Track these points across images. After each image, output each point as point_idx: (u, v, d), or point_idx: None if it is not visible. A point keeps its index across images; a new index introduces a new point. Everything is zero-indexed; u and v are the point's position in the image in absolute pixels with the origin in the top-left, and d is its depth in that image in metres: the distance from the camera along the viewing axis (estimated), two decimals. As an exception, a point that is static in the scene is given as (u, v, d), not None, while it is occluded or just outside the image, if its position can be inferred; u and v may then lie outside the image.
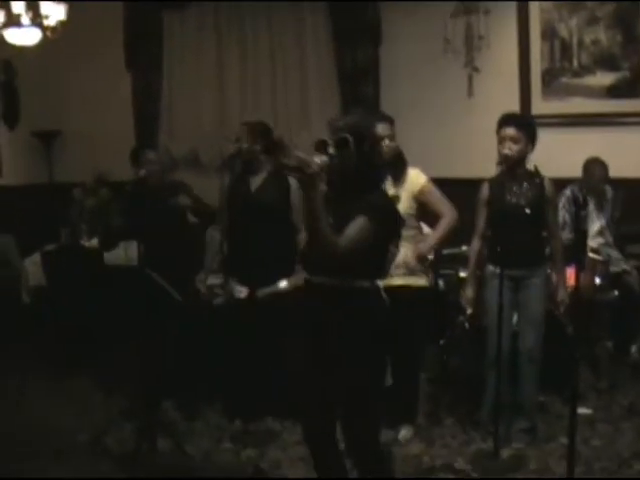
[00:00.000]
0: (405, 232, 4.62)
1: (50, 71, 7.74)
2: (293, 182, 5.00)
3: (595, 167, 5.92)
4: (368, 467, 3.53)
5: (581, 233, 3.53)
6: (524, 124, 4.72)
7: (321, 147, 3.30)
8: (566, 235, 5.32)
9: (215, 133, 7.51)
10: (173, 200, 5.74)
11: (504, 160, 4.58)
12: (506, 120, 4.69)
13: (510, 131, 4.62)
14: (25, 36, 6.53)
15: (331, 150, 3.29)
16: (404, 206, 4.61)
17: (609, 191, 6.03)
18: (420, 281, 4.76)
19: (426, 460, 4.59)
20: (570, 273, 4.75)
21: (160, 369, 5.02)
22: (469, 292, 4.91)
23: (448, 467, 4.52)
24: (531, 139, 4.68)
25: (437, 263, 5.53)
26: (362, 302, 3.40)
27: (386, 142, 4.52)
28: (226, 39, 7.50)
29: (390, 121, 4.76)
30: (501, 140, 4.64)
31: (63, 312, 6.25)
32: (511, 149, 4.60)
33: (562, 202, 5.70)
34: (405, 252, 4.57)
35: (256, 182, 5.15)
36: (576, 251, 3.52)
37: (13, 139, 7.74)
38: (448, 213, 4.78)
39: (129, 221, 5.64)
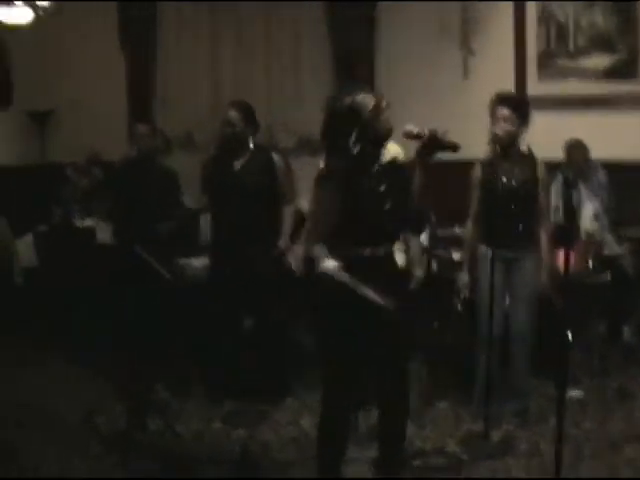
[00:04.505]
0: None
1: (44, 50, 7.68)
2: (276, 156, 5.08)
3: (573, 150, 5.90)
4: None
5: (571, 214, 3.50)
6: (517, 104, 4.68)
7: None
8: (559, 218, 5.31)
9: (209, 115, 7.47)
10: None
11: (496, 140, 4.55)
12: (499, 100, 4.66)
13: (503, 111, 4.60)
14: (17, 15, 6.49)
15: None
16: None
17: (604, 176, 6.01)
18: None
19: (417, 442, 4.58)
20: (562, 255, 4.74)
21: (150, 348, 5.01)
22: (465, 275, 4.89)
23: (438, 450, 4.51)
24: (524, 120, 4.65)
25: (431, 245, 5.51)
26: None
27: None
28: (221, 21, 7.46)
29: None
30: (494, 120, 4.62)
31: (55, 293, 6.24)
32: (503, 129, 4.57)
33: (555, 185, 5.67)
34: None
35: (239, 162, 5.14)
36: (566, 232, 3.49)
37: (6, 119, 7.69)
38: None
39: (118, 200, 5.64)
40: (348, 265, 3.53)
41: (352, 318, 3.54)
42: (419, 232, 3.90)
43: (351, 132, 3.51)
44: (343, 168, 3.55)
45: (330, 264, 3.52)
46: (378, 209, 3.58)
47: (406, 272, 4.54)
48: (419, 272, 4.76)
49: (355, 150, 3.53)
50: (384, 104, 3.57)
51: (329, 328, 3.66)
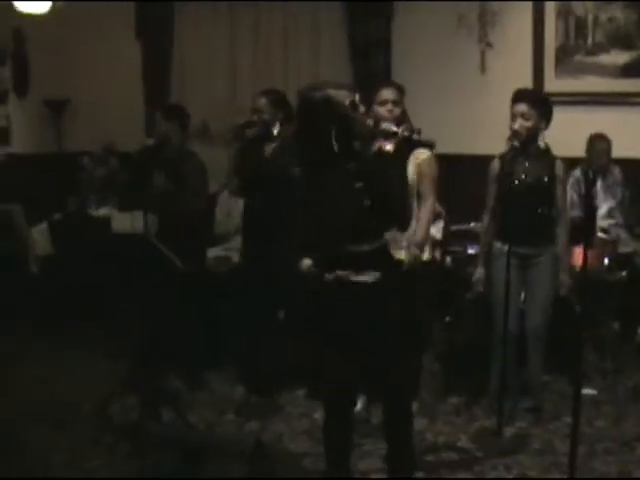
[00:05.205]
0: None
1: (61, 39, 7.68)
2: None
3: (597, 142, 5.87)
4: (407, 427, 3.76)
5: (590, 211, 3.48)
6: (537, 101, 4.66)
7: None
8: (576, 213, 5.29)
9: (226, 104, 7.46)
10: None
11: (514, 136, 4.53)
12: (518, 96, 4.64)
13: (521, 107, 4.58)
14: (35, 4, 6.50)
15: None
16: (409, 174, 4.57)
17: (619, 172, 5.98)
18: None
19: (429, 437, 4.58)
20: (578, 252, 4.72)
21: (163, 337, 5.03)
22: (480, 270, 4.88)
23: (451, 445, 4.52)
24: (545, 117, 4.63)
25: (445, 239, 5.50)
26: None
27: (388, 107, 4.54)
28: (239, 9, 7.44)
29: (396, 87, 4.72)
30: (513, 116, 4.60)
31: (70, 281, 6.26)
32: (521, 126, 4.55)
33: (571, 182, 5.65)
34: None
35: (270, 147, 5.12)
36: (584, 229, 3.48)
37: (23, 107, 7.70)
38: (430, 197, 4.65)
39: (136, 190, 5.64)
40: (335, 262, 3.51)
41: (337, 313, 3.54)
42: (404, 228, 3.88)
43: (326, 129, 3.45)
44: (317, 167, 3.53)
45: (304, 263, 3.55)
46: (355, 207, 3.52)
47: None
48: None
49: (333, 147, 3.47)
50: (358, 99, 3.53)
51: (319, 324, 3.65)
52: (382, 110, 4.53)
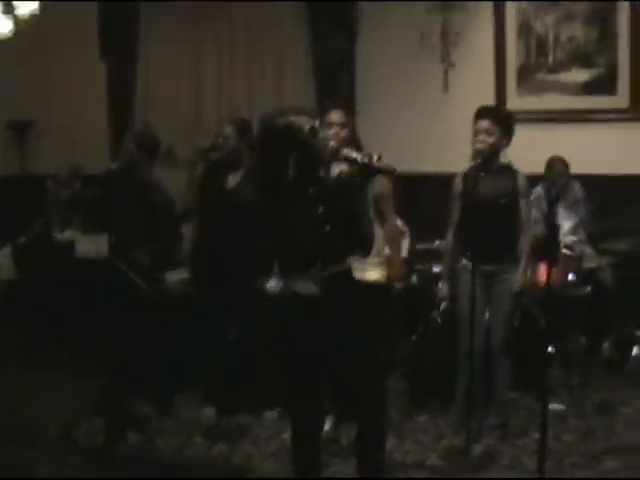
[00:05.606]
0: None
1: (24, 61, 7.63)
2: None
3: (555, 165, 5.93)
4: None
5: (553, 229, 3.52)
6: (499, 117, 4.71)
7: None
8: (539, 231, 5.33)
9: (191, 127, 7.45)
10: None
11: (477, 153, 4.56)
12: (481, 113, 4.69)
13: (484, 124, 4.62)
14: (-3, 24, 6.45)
15: None
16: None
17: (579, 188, 6.04)
18: (373, 275, 4.55)
19: (397, 456, 4.57)
20: (543, 269, 4.76)
21: (129, 361, 4.98)
22: (444, 287, 4.90)
23: (420, 464, 4.51)
24: (506, 133, 4.67)
25: (411, 258, 5.52)
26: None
27: (334, 129, 4.52)
28: (203, 31, 7.45)
29: (344, 109, 4.74)
30: (475, 132, 4.64)
31: (34, 305, 6.19)
32: (484, 142, 4.59)
33: (533, 199, 5.69)
34: None
35: (235, 178, 5.11)
36: (548, 246, 3.51)
37: (-15, 129, 7.66)
38: (391, 216, 4.70)
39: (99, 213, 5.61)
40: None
41: (301, 333, 3.56)
42: (367, 254, 3.87)
43: (287, 156, 3.47)
44: (278, 193, 3.54)
45: (269, 284, 3.55)
46: (317, 232, 3.54)
47: (376, 286, 4.53)
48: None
49: (292, 174, 3.48)
50: (318, 124, 3.54)
51: (284, 344, 3.66)
52: (328, 133, 4.50)
